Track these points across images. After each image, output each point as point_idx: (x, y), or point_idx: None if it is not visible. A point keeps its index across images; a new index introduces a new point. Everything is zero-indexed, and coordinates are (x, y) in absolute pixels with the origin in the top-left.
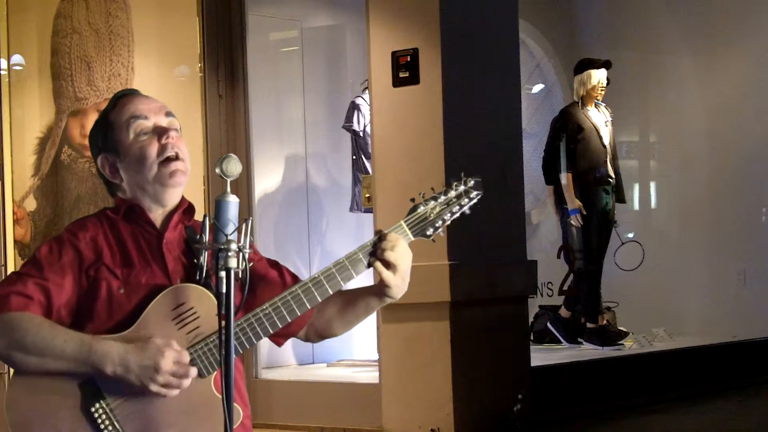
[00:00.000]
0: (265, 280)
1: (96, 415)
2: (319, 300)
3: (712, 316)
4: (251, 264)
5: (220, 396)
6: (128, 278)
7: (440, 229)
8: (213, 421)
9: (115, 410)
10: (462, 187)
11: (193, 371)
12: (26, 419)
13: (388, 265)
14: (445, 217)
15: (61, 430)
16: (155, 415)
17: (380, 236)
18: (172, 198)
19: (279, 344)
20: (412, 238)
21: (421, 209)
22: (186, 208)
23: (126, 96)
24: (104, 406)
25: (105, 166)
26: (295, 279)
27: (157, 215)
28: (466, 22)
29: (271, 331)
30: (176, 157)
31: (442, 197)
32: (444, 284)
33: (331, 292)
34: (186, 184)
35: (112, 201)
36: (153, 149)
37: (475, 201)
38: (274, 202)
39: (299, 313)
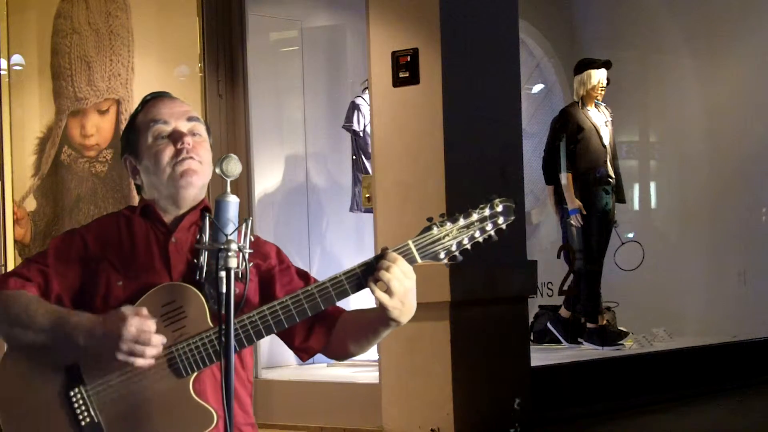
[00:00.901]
0: (287, 290)
1: (74, 399)
2: (309, 314)
3: (712, 316)
4: (272, 270)
5: (196, 398)
6: (129, 274)
7: (456, 254)
8: (184, 421)
9: (93, 397)
10: (488, 211)
11: (157, 339)
12: (12, 398)
13: (383, 286)
14: (463, 241)
15: (42, 411)
16: (132, 406)
17: (381, 254)
18: (185, 199)
19: (303, 359)
20: (419, 261)
21: (435, 230)
22: (202, 209)
23: (153, 99)
24: (83, 391)
25: (127, 166)
26: None
27: (171, 216)
28: (466, 22)
29: (255, 340)
30: (190, 159)
31: (462, 220)
32: (444, 284)
33: (323, 307)
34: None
35: (113, 201)
36: (167, 153)
37: (503, 227)
38: (274, 202)
39: (286, 325)
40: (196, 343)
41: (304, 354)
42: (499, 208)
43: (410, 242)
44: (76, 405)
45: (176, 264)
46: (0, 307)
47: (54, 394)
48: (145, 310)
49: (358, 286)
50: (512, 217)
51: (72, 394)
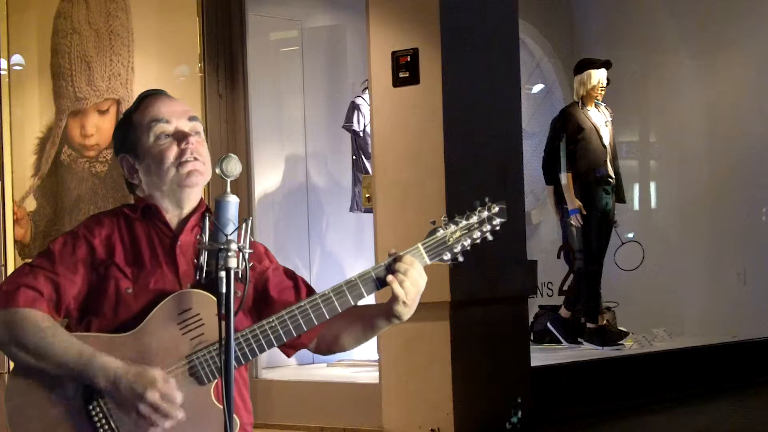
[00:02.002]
0: (279, 289)
1: (93, 412)
2: (327, 317)
3: (712, 316)
4: (266, 271)
5: (219, 405)
6: (137, 279)
7: (458, 255)
8: (206, 428)
9: (112, 409)
10: (486, 213)
11: (178, 413)
12: (24, 412)
13: (402, 287)
14: (465, 243)
15: (58, 425)
16: None
17: (395, 258)
18: (189, 199)
19: (288, 355)
20: (428, 262)
21: (440, 233)
22: (204, 211)
23: (150, 97)
24: (101, 404)
25: (124, 166)
26: (311, 291)
27: (173, 217)
28: (466, 22)
29: (276, 344)
30: (194, 160)
31: (464, 222)
32: (444, 284)
33: (340, 310)
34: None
35: (113, 201)
36: (172, 153)
37: (498, 228)
38: (274, 202)
39: (305, 329)
40: (216, 349)
41: (291, 350)
42: (495, 210)
43: (420, 245)
44: (96, 418)
45: (182, 267)
46: (13, 329)
47: (71, 407)
48: (173, 381)
49: (374, 288)
50: (505, 219)
51: (91, 407)
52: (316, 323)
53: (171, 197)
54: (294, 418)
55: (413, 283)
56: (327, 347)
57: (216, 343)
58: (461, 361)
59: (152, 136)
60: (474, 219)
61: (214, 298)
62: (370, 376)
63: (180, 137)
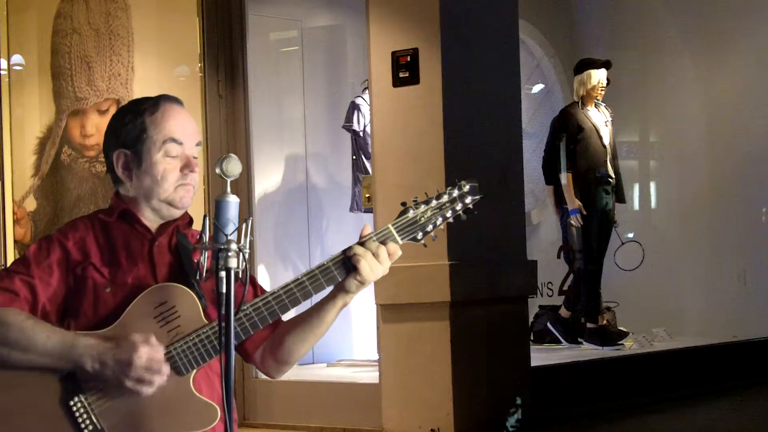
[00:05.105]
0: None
1: (74, 409)
2: (302, 301)
3: (712, 316)
4: None
5: (198, 395)
6: (115, 278)
7: (431, 233)
8: (188, 419)
9: (93, 405)
10: (456, 192)
11: (166, 368)
12: (5, 412)
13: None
14: (437, 222)
15: (40, 423)
16: (133, 410)
17: (362, 241)
18: (172, 216)
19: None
20: (400, 242)
21: (411, 213)
22: (187, 222)
23: (171, 106)
24: (83, 400)
25: (119, 161)
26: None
27: (150, 222)
28: (466, 21)
29: (252, 332)
30: (190, 185)
31: (434, 201)
32: (444, 284)
33: (313, 294)
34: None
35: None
36: (174, 175)
37: (470, 206)
38: (274, 202)
39: (280, 314)
40: (194, 340)
41: (245, 355)
42: (466, 189)
43: (390, 226)
44: (77, 414)
45: (160, 266)
46: None
47: (53, 404)
48: (154, 338)
49: (346, 271)
50: (478, 196)
51: (72, 403)
52: (291, 308)
53: (156, 210)
54: (294, 418)
55: (371, 268)
56: (273, 356)
57: (191, 334)
58: (461, 361)
59: (163, 152)
60: (445, 198)
61: (190, 291)
62: (370, 376)
63: (186, 163)
